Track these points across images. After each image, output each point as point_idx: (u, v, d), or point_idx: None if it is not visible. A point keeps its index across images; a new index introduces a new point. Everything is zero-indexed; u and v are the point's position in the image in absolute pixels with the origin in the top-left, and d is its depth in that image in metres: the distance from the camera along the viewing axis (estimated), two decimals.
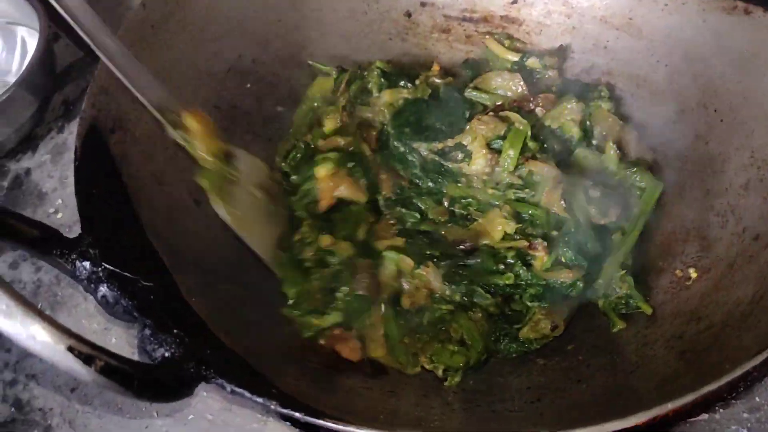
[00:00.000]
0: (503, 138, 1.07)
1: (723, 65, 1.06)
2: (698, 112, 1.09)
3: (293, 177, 1.14)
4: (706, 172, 1.05)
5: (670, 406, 0.68)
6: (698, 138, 1.08)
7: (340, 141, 1.14)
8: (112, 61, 0.92)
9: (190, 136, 0.97)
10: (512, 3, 1.27)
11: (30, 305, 0.61)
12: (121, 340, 0.99)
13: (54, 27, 1.29)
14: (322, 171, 1.09)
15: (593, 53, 1.21)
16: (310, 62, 1.26)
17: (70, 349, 0.61)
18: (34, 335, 0.60)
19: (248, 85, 1.19)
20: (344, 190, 1.09)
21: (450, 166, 1.10)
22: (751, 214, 0.96)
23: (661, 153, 1.13)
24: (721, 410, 0.74)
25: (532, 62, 1.22)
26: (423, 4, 1.30)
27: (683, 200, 1.07)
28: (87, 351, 0.62)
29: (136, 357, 0.72)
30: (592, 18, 1.21)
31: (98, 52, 0.91)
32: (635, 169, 1.08)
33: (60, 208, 1.18)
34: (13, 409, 0.98)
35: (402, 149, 1.12)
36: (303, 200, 1.10)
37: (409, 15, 1.30)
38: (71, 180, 1.17)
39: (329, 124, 1.17)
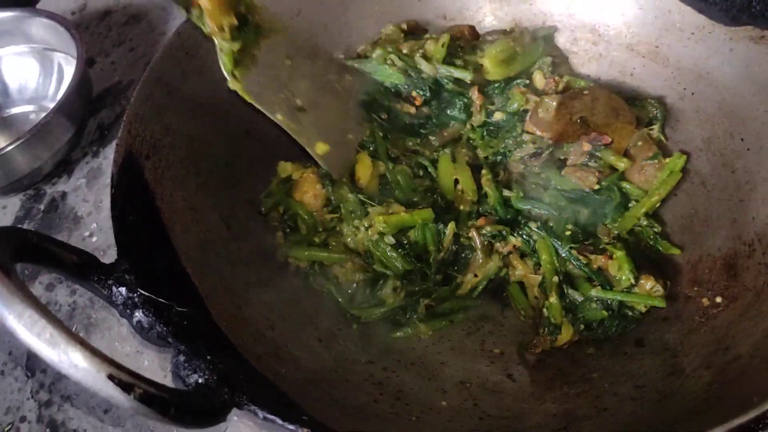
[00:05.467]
0: None
1: (750, 94, 1.06)
2: (725, 140, 1.10)
3: None
4: (733, 201, 1.05)
5: None
6: (725, 166, 1.09)
7: None
8: None
9: (203, 15, 0.99)
10: None
11: (72, 334, 0.63)
12: (153, 363, 1.01)
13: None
14: None
15: (620, 81, 1.22)
16: None
17: (111, 377, 0.63)
18: (76, 363, 0.62)
19: None
20: None
21: None
22: None
23: (686, 179, 1.13)
24: None
25: None
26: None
27: (710, 228, 1.07)
28: (126, 379, 0.63)
29: (168, 381, 0.73)
30: (618, 45, 1.22)
31: None
32: None
33: (95, 231, 1.20)
34: (48, 429, 1.00)
35: None
36: None
37: None
38: (106, 204, 1.21)
39: None
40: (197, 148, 1.07)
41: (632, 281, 1.01)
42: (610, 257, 1.03)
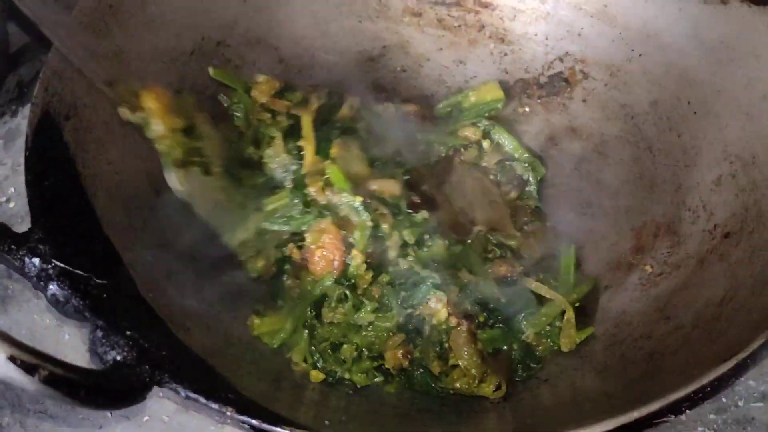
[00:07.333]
0: None
1: (698, 56, 1.04)
2: (671, 103, 1.07)
3: None
4: (678, 166, 1.04)
5: (636, 414, 0.67)
6: (671, 130, 1.07)
7: None
8: (58, 37, 0.89)
9: (147, 116, 0.93)
10: None
11: None
12: (74, 337, 0.96)
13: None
14: None
15: (567, 40, 1.19)
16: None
17: (12, 358, 0.57)
18: None
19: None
20: None
21: None
22: (722, 211, 0.95)
23: (633, 143, 1.11)
24: (687, 411, 0.73)
25: None
26: None
27: (654, 194, 1.06)
28: (30, 360, 0.58)
29: (88, 357, 0.68)
30: (566, 4, 1.18)
31: (42, 28, 0.87)
32: None
33: (12, 197, 1.13)
34: None
35: None
36: None
37: None
38: None
39: None
40: None
41: None
42: None
